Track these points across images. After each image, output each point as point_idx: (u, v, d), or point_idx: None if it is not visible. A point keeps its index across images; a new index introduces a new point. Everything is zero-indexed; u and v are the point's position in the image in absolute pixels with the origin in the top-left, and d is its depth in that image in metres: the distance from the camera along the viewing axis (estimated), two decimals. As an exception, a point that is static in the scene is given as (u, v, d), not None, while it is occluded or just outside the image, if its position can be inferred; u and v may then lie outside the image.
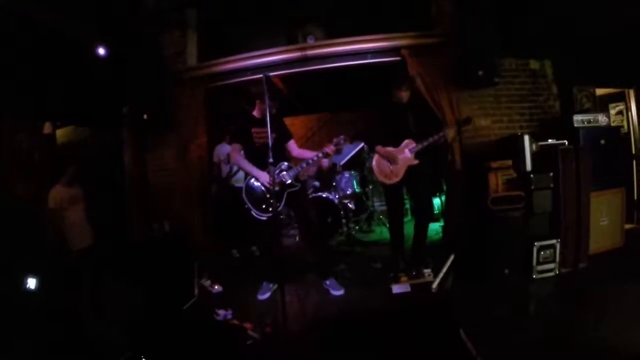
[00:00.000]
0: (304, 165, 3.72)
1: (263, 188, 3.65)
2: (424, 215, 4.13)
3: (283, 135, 3.85)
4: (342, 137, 3.54)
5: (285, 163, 3.74)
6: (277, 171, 3.66)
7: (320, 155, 3.62)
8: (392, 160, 3.96)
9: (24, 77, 3.87)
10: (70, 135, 5.32)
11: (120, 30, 4.34)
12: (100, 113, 4.72)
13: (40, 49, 3.85)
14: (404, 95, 3.98)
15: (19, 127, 4.12)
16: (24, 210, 4.01)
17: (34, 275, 3.40)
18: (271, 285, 3.89)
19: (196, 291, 4.01)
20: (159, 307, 3.51)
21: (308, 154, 3.79)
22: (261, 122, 3.65)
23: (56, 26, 3.84)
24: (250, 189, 3.74)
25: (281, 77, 4.84)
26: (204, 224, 4.74)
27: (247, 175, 3.77)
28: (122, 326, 3.32)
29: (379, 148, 4.04)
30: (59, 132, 5.25)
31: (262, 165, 3.57)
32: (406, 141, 3.95)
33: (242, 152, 3.77)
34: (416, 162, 3.93)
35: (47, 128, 4.78)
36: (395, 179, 3.98)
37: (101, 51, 4.19)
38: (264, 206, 3.63)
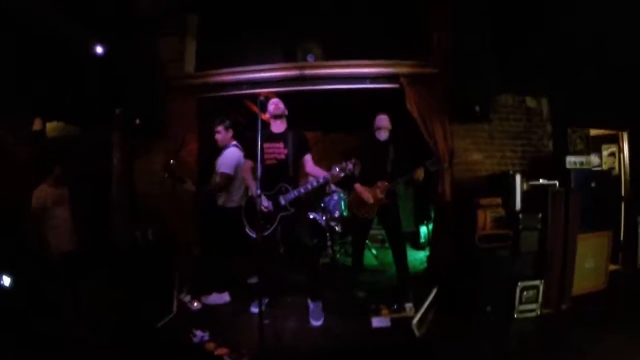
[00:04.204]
0: (302, 190, 3.64)
1: (263, 207, 3.60)
2: (397, 248, 4.33)
3: (298, 150, 3.81)
4: (351, 162, 3.49)
5: (284, 186, 3.69)
6: (275, 193, 3.67)
7: (322, 180, 3.60)
8: (366, 199, 4.23)
9: (12, 73, 3.82)
10: (61, 131, 5.22)
11: (115, 31, 4.28)
12: (90, 113, 4.64)
13: (30, 46, 3.79)
14: (384, 133, 4.23)
15: (3, 123, 4.03)
16: (6, 208, 3.94)
17: (9, 273, 3.36)
18: (265, 300, 3.82)
19: (175, 307, 3.94)
20: (135, 322, 3.47)
21: (320, 172, 3.73)
22: (276, 138, 3.73)
23: (48, 24, 3.78)
24: (249, 204, 3.79)
25: (276, 93, 4.80)
26: (188, 233, 4.69)
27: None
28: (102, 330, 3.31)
29: (357, 186, 4.29)
30: (49, 126, 5.16)
31: (268, 184, 3.58)
32: (379, 183, 4.22)
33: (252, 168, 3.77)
34: (386, 201, 4.22)
35: (37, 124, 4.71)
36: (366, 215, 4.32)
37: (98, 50, 4.13)
38: (256, 224, 3.56)
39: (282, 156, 3.73)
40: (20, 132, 4.19)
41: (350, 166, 3.43)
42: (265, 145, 3.66)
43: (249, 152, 3.84)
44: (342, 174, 3.49)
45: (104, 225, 4.64)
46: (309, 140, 3.97)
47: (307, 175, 3.89)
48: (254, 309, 3.79)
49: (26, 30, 3.70)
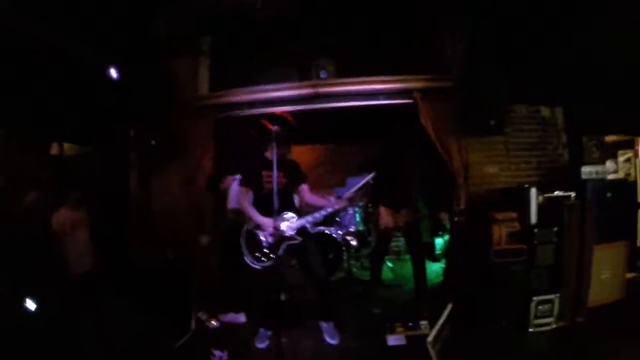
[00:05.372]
0: (310, 219, 3.60)
1: (262, 236, 3.57)
2: (417, 266, 4.41)
3: (293, 179, 3.75)
4: (356, 187, 3.52)
5: (289, 213, 3.62)
6: (279, 221, 3.55)
7: (330, 210, 3.60)
8: (385, 224, 4.37)
9: (33, 96, 3.87)
10: (77, 150, 5.28)
11: (130, 53, 4.32)
12: (107, 135, 4.70)
13: (48, 70, 3.84)
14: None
15: (25, 147, 4.11)
16: (28, 231, 4.02)
17: (33, 296, 3.44)
18: (269, 333, 3.77)
19: (193, 325, 4.01)
20: (153, 342, 3.54)
21: (319, 201, 3.72)
22: (272, 165, 3.59)
23: (66, 47, 3.82)
24: (249, 234, 3.66)
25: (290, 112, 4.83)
26: (206, 253, 4.73)
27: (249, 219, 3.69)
28: (120, 350, 3.38)
29: (381, 209, 4.39)
30: (65, 146, 5.22)
31: (269, 211, 3.47)
32: (404, 211, 4.33)
33: (250, 195, 3.72)
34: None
35: (54, 149, 4.80)
36: (385, 235, 4.51)
37: (113, 74, 4.16)
38: (257, 254, 3.55)
39: (282, 183, 3.60)
40: (39, 155, 4.25)
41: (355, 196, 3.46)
42: (264, 172, 3.61)
43: (244, 178, 3.79)
44: (349, 204, 3.55)
45: (121, 246, 4.71)
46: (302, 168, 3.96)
47: (306, 204, 3.89)
48: (260, 344, 3.77)
49: (43, 54, 3.73)
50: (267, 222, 3.50)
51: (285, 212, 3.60)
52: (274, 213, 3.34)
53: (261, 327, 3.85)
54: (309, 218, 3.62)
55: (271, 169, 3.43)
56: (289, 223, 3.59)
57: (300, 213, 3.70)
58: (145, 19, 4.62)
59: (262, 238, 3.55)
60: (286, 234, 3.56)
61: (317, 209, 3.67)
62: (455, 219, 4.30)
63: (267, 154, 3.71)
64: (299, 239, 3.60)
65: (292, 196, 3.79)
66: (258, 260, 3.53)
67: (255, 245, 3.57)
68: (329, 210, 3.58)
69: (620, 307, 4.23)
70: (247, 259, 3.60)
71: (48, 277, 3.79)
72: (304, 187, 3.82)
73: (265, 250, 3.47)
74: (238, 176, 4.32)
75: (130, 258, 4.62)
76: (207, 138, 4.73)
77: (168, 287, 3.87)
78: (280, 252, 3.55)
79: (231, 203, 4.28)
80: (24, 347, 3.09)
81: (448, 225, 5.25)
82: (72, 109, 4.11)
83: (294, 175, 3.77)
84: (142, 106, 4.45)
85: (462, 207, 4.31)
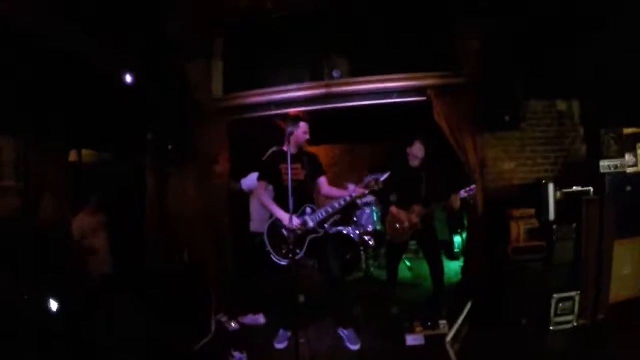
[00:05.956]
0: (330, 209, 3.57)
1: (285, 231, 3.55)
2: (434, 267, 4.32)
3: (313, 172, 3.77)
4: (372, 177, 3.46)
5: (310, 207, 3.63)
6: (300, 214, 3.57)
7: (348, 199, 3.54)
8: (401, 223, 4.24)
9: (52, 103, 3.90)
10: (94, 156, 5.35)
11: (144, 57, 4.35)
12: (123, 140, 4.75)
13: (63, 75, 3.87)
14: (417, 162, 4.24)
15: (44, 153, 4.15)
16: (48, 235, 4.07)
17: (55, 298, 3.49)
18: (289, 334, 3.78)
19: (213, 327, 4.04)
20: (173, 344, 3.58)
21: (336, 192, 3.72)
22: (292, 159, 3.56)
23: (83, 53, 3.86)
24: (272, 230, 3.65)
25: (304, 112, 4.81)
26: (223, 255, 4.75)
27: (271, 215, 3.69)
28: (140, 354, 3.42)
29: (392, 209, 4.31)
30: (84, 153, 5.30)
31: (288, 205, 3.44)
32: (415, 207, 4.21)
33: (270, 190, 3.74)
34: (421, 226, 4.21)
35: (72, 156, 4.84)
36: (401, 240, 4.36)
37: (128, 79, 4.18)
38: (284, 251, 3.54)
39: (301, 177, 3.65)
40: (58, 161, 4.29)
41: (372, 180, 3.41)
42: (282, 166, 3.60)
43: (263, 172, 3.80)
44: (367, 191, 3.51)
45: (139, 249, 4.76)
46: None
47: (323, 198, 3.88)
48: (279, 345, 3.79)
49: (59, 61, 3.76)
50: (285, 216, 3.47)
51: (305, 206, 3.61)
52: (294, 207, 3.33)
53: (281, 327, 3.86)
54: (329, 208, 3.59)
55: (290, 162, 3.41)
56: (311, 216, 3.59)
57: (317, 206, 3.70)
58: (159, 22, 4.64)
59: (285, 233, 3.53)
60: (309, 227, 3.56)
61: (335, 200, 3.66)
62: (469, 199, 4.20)
63: (285, 148, 3.68)
64: (322, 231, 3.61)
65: (312, 189, 3.77)
66: (283, 256, 3.52)
67: (279, 241, 3.56)
68: (347, 198, 3.53)
69: (642, 302, 4.16)
70: (272, 256, 3.59)
71: (67, 281, 3.85)
72: (323, 180, 3.83)
73: (290, 246, 3.39)
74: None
75: (149, 261, 4.66)
76: (222, 140, 4.75)
77: (187, 290, 3.90)
78: (305, 247, 3.55)
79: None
80: (43, 348, 3.16)
81: (466, 223, 5.18)
82: (89, 114, 4.13)
83: (313, 167, 3.77)
84: (158, 109, 4.46)
85: (478, 203, 4.24)
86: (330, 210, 3.60)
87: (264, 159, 3.86)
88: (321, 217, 3.60)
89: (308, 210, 3.62)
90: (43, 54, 3.59)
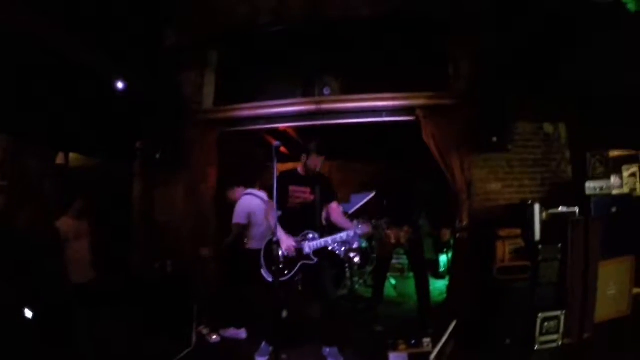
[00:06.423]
0: (329, 241, 3.59)
1: (280, 252, 3.55)
2: (420, 282, 4.46)
3: (324, 196, 3.78)
4: (384, 220, 3.51)
5: (312, 234, 3.64)
6: (300, 239, 3.61)
7: (352, 234, 3.55)
8: (389, 240, 4.39)
9: (41, 106, 3.91)
10: (81, 161, 5.32)
11: (137, 65, 4.39)
12: (112, 146, 4.74)
13: (54, 79, 3.88)
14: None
15: (31, 154, 4.15)
16: (29, 240, 4.01)
17: (31, 305, 3.44)
18: (270, 348, 3.74)
19: (194, 339, 4.02)
20: (153, 355, 3.56)
21: (344, 222, 3.73)
22: (303, 181, 3.66)
23: (77, 58, 3.89)
24: (269, 246, 3.64)
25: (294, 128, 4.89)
26: (208, 266, 4.77)
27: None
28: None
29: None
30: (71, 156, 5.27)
31: (292, 227, 3.56)
32: (406, 227, 4.34)
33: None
34: (407, 246, 4.43)
35: (59, 159, 4.82)
36: (386, 253, 4.62)
37: (119, 85, 4.19)
38: (273, 269, 3.53)
39: (309, 200, 3.69)
40: (44, 162, 4.29)
41: (382, 223, 3.47)
42: (293, 188, 3.64)
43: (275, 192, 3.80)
44: (373, 231, 3.57)
45: (123, 257, 4.74)
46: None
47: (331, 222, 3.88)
48: (260, 358, 3.77)
49: (50, 64, 3.78)
50: (286, 239, 3.52)
51: (308, 232, 3.64)
52: (297, 231, 3.41)
53: (264, 341, 3.86)
54: (329, 240, 3.61)
55: (300, 184, 3.54)
56: (310, 242, 3.61)
57: (323, 230, 3.72)
58: (155, 33, 4.71)
59: (281, 253, 3.55)
60: (304, 253, 3.59)
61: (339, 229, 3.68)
62: (458, 235, 4.27)
63: (299, 169, 3.75)
64: (315, 259, 3.61)
65: (319, 214, 3.78)
66: (273, 274, 3.50)
67: (273, 259, 3.53)
68: (351, 234, 3.55)
69: (627, 322, 4.20)
70: (263, 272, 3.63)
71: (48, 286, 3.81)
72: (334, 206, 3.84)
73: (281, 266, 3.47)
74: (249, 190, 4.40)
75: (132, 269, 4.64)
76: (211, 151, 4.79)
77: (169, 300, 3.88)
78: (296, 269, 3.58)
79: (236, 218, 4.28)
80: (23, 354, 3.12)
81: (451, 242, 5.24)
82: (79, 119, 4.15)
83: (325, 192, 3.79)
84: (149, 118, 4.50)
85: (465, 224, 4.30)
86: (330, 242, 3.63)
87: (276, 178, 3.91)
88: (319, 246, 3.62)
89: (310, 236, 3.65)
90: (36, 58, 3.62)
